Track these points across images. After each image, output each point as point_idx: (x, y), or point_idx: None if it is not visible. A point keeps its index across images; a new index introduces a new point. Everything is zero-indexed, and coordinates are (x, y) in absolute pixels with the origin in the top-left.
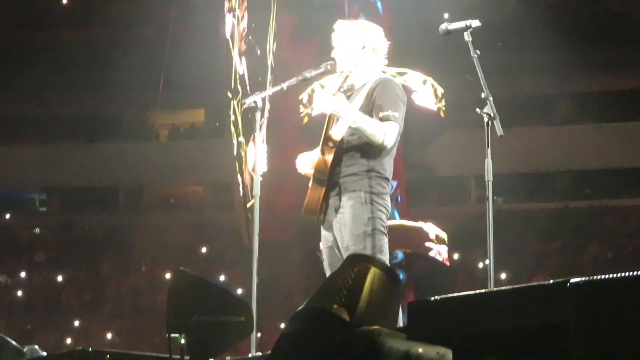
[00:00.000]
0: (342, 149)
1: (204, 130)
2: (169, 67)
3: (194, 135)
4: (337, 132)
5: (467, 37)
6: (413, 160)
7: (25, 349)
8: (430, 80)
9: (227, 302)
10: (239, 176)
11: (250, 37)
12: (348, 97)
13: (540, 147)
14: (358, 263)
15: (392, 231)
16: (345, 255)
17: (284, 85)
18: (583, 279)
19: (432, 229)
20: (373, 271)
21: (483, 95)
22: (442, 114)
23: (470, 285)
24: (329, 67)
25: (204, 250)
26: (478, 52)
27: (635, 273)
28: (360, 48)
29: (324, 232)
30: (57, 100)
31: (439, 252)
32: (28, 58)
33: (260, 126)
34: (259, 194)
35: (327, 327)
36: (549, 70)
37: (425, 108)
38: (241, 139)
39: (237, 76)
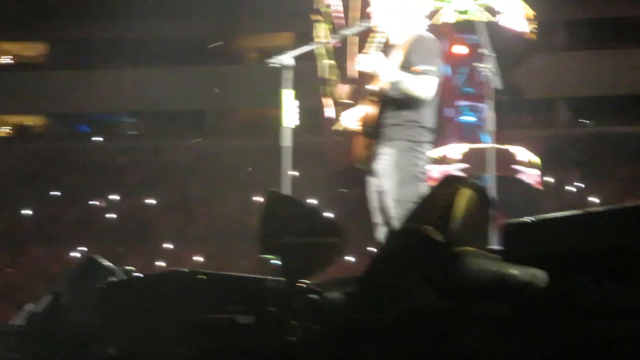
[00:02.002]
0: (385, 102)
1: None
2: None
3: None
4: (380, 87)
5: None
6: (502, 83)
7: (121, 270)
8: (520, 2)
9: (319, 223)
10: (327, 98)
11: None
12: (388, 55)
13: (632, 69)
14: (452, 184)
15: (480, 154)
16: (388, 201)
17: (317, 44)
18: None
19: (523, 152)
20: (467, 192)
21: (487, 52)
22: (533, 36)
23: (559, 208)
24: (364, 26)
25: (292, 172)
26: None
27: None
28: (400, 11)
29: (371, 180)
30: (148, 25)
31: (530, 175)
32: None
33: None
34: (290, 145)
35: (422, 248)
36: None
37: (514, 29)
38: (331, 61)
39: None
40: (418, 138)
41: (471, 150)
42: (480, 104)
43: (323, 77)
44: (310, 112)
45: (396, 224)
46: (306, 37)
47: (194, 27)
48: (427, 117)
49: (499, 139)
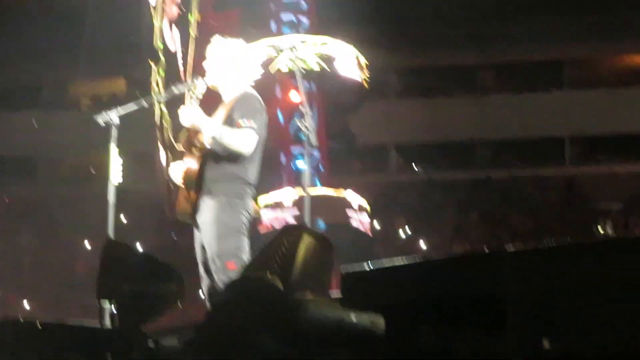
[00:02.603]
0: (208, 156)
1: (126, 100)
2: (90, 35)
3: (116, 104)
4: (201, 141)
5: None
6: (335, 130)
7: None
8: (354, 50)
9: (157, 270)
10: (160, 146)
11: (182, 6)
12: (215, 111)
13: (462, 117)
14: (292, 232)
15: (314, 201)
16: (210, 254)
17: (146, 103)
18: (520, 248)
19: (354, 198)
20: (307, 239)
21: (304, 109)
22: (366, 84)
23: (390, 254)
24: (191, 85)
25: (123, 220)
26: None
27: (571, 242)
28: (225, 67)
29: (195, 232)
30: None
31: (361, 221)
32: None
33: None
34: (114, 201)
35: (262, 296)
36: (469, 41)
37: (348, 78)
38: (163, 108)
39: (161, 44)
40: (239, 192)
41: (303, 196)
42: (313, 151)
43: (156, 123)
44: (145, 157)
45: (220, 276)
46: (141, 80)
47: (25, 72)
48: (250, 171)
49: (331, 185)
